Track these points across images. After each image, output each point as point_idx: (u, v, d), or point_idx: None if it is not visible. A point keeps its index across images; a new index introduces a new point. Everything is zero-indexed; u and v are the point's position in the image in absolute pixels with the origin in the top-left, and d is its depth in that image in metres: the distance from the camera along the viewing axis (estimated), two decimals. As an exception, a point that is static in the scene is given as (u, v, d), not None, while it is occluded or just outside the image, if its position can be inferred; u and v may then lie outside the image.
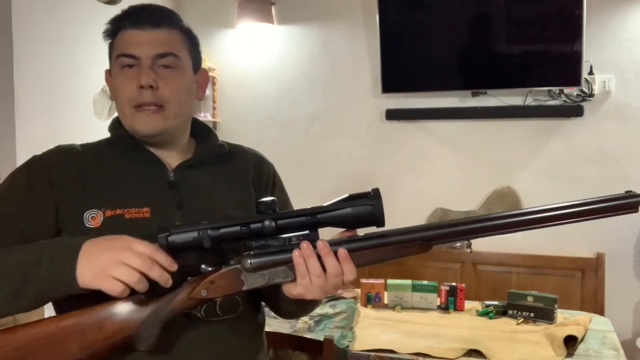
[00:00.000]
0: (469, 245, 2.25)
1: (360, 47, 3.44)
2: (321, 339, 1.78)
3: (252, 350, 1.11)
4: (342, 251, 0.91)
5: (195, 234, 0.90)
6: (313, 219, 0.92)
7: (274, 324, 2.16)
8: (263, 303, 1.18)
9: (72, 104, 2.94)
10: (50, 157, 1.05)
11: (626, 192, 0.92)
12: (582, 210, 0.91)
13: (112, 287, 0.86)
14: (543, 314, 2.17)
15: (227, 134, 3.76)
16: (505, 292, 2.31)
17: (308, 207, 0.93)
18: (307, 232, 0.92)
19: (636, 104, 3.01)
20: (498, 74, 3.11)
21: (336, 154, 3.55)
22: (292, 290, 0.94)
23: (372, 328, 2.14)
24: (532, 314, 2.19)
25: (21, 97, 2.59)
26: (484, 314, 2.26)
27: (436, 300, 2.37)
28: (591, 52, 2.97)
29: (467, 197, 3.31)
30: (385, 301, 2.43)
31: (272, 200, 0.93)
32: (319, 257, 0.90)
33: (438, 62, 3.21)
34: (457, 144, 3.32)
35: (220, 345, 1.02)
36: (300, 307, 1.07)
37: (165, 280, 0.89)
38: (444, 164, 3.34)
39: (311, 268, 0.90)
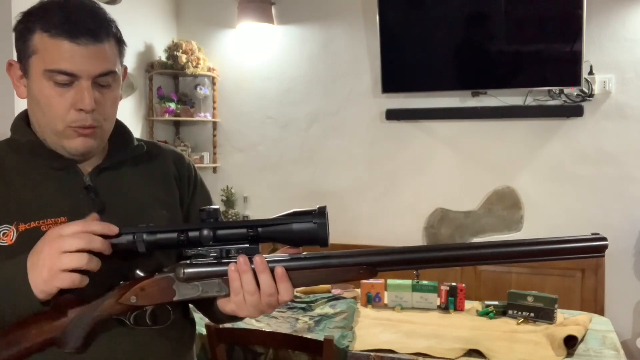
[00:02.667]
0: (417, 275, 2.25)
1: (360, 47, 3.44)
2: (321, 339, 1.78)
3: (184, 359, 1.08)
4: (280, 269, 0.86)
5: (130, 237, 0.86)
6: (253, 232, 0.87)
7: (274, 323, 2.16)
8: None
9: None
10: None
11: (592, 234, 0.86)
12: (545, 249, 0.85)
13: (68, 281, 0.82)
14: (543, 314, 2.17)
15: (227, 134, 3.76)
16: (505, 292, 2.31)
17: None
18: (247, 245, 0.88)
19: (636, 104, 3.00)
20: (498, 74, 3.11)
21: (336, 154, 3.55)
22: (225, 306, 0.91)
23: (372, 328, 2.13)
24: (532, 314, 2.19)
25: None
26: (484, 314, 2.26)
27: (436, 300, 2.37)
28: (591, 52, 2.97)
29: (467, 197, 3.31)
30: (385, 301, 2.43)
31: (215, 210, 0.89)
32: (256, 273, 0.86)
33: (438, 62, 3.21)
34: (457, 144, 3.32)
35: (151, 353, 0.98)
36: (233, 318, 1.02)
37: (107, 248, 0.85)
38: (444, 164, 3.34)
39: (245, 284, 0.86)
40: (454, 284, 2.37)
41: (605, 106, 3.05)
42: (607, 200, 3.07)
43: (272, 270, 0.86)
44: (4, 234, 0.91)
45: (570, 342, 1.90)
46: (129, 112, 3.41)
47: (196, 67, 3.54)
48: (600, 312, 2.91)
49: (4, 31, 2.56)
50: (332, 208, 3.49)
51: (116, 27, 0.97)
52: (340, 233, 3.41)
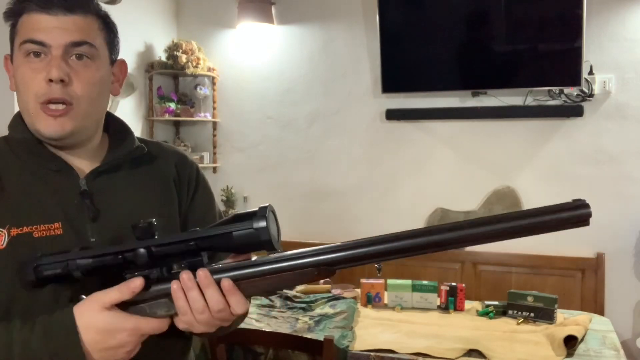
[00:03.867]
0: (379, 269, 2.14)
1: (360, 47, 3.44)
2: (321, 339, 1.78)
3: None
4: (226, 282, 0.79)
5: (63, 262, 0.82)
6: (193, 245, 0.80)
7: (274, 323, 2.16)
8: None
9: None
10: None
11: (574, 200, 0.75)
12: (519, 225, 0.74)
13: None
14: (543, 314, 2.17)
15: (227, 134, 3.76)
16: (505, 292, 2.31)
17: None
18: (189, 259, 0.81)
19: (636, 104, 3.00)
20: (498, 74, 3.11)
21: (336, 154, 3.55)
22: (178, 324, 0.83)
23: (372, 328, 2.13)
24: (532, 314, 2.19)
25: (21, 97, 2.59)
26: (484, 314, 2.26)
27: (436, 300, 2.37)
28: (591, 52, 2.97)
29: (467, 197, 3.31)
30: (385, 301, 2.43)
31: (149, 224, 0.82)
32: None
33: (438, 62, 3.21)
34: (457, 144, 3.32)
35: None
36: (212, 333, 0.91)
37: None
38: (444, 164, 3.34)
39: (192, 303, 0.79)
40: (454, 284, 2.38)
41: (605, 106, 3.05)
42: (607, 200, 3.06)
43: (219, 283, 0.79)
44: None
45: (570, 342, 1.90)
46: (129, 112, 3.41)
47: (196, 67, 3.54)
48: (600, 312, 2.91)
49: (3, 29, 2.57)
50: (332, 208, 3.47)
51: (99, 7, 0.96)
52: (340, 233, 3.41)
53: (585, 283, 3.07)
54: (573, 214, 0.75)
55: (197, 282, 0.79)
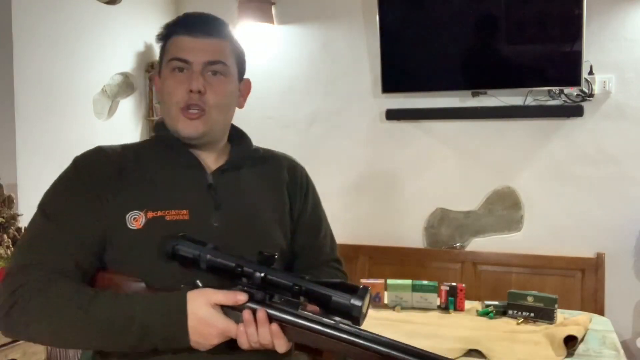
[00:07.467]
0: None
1: (360, 47, 3.44)
2: (321, 339, 1.77)
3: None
4: (274, 326, 0.93)
5: (196, 252, 0.98)
6: (298, 288, 0.94)
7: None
8: None
9: (72, 104, 2.93)
10: (93, 158, 1.10)
11: None
12: None
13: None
14: (543, 314, 2.17)
15: (227, 134, 3.76)
16: (505, 292, 2.31)
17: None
18: (289, 297, 0.95)
19: (636, 104, 3.00)
20: (498, 74, 3.11)
21: (336, 154, 3.54)
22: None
23: (372, 328, 2.12)
24: (532, 314, 2.19)
25: (21, 97, 2.59)
26: (484, 314, 2.26)
27: (436, 300, 2.37)
28: (591, 52, 2.97)
29: (467, 197, 3.31)
30: (385, 301, 2.43)
31: (272, 255, 0.96)
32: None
33: (438, 62, 3.21)
34: (457, 144, 3.32)
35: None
36: None
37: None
38: (444, 164, 3.34)
39: (250, 336, 0.94)
40: (454, 284, 2.37)
41: (605, 106, 3.05)
42: (607, 200, 3.07)
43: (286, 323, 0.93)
44: (134, 219, 1.04)
45: (570, 342, 1.90)
46: (129, 112, 3.41)
47: (196, 67, 3.53)
48: (600, 312, 2.91)
49: (4, 30, 2.57)
50: (332, 208, 3.46)
51: (231, 34, 1.17)
52: (339, 233, 3.40)
53: (585, 283, 3.07)
54: None
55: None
